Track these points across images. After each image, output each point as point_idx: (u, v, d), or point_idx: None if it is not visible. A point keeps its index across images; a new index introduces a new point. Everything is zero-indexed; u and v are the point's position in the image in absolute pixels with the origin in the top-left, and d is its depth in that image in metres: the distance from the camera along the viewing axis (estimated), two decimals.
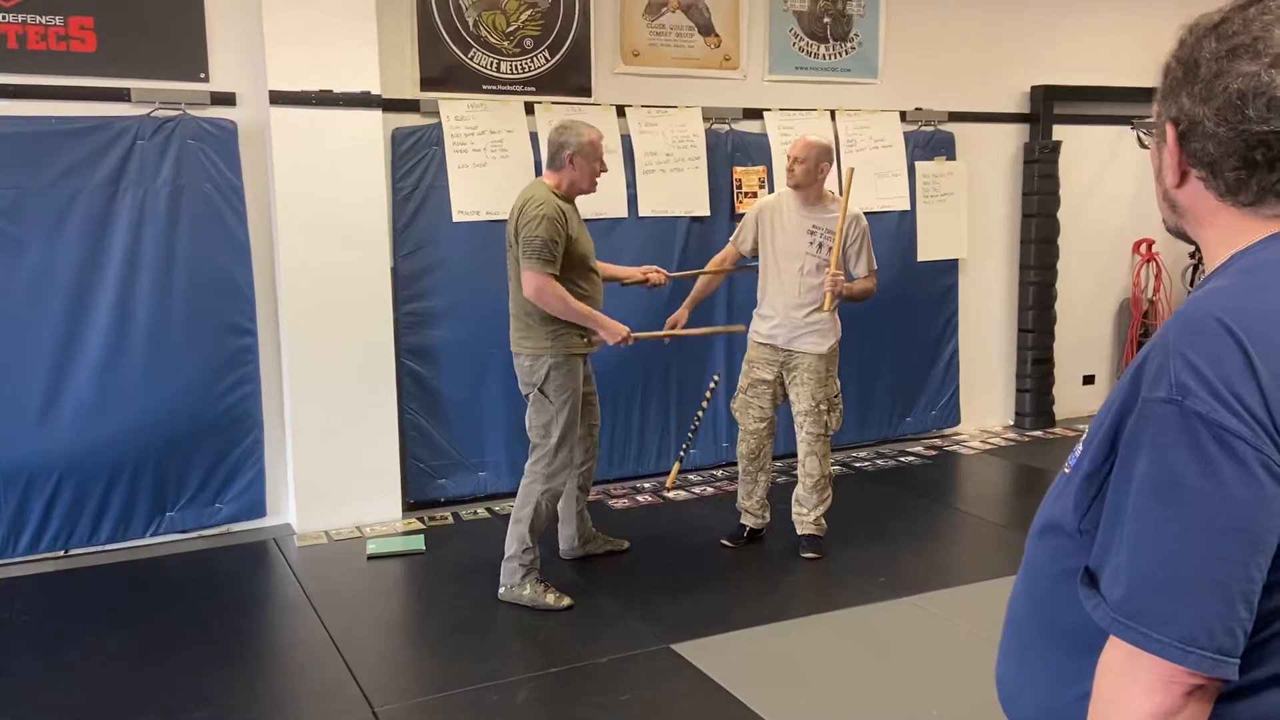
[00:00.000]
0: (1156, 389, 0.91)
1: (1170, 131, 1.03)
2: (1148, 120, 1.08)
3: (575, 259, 3.52)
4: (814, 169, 3.80)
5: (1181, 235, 1.10)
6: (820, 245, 3.82)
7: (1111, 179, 6.04)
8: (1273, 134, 0.95)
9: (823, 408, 3.88)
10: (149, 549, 4.20)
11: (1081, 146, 5.94)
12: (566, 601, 3.55)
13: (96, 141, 4.00)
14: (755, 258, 4.01)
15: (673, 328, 4.04)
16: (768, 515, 4.12)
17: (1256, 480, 0.87)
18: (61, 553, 4.09)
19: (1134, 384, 0.95)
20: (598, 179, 3.61)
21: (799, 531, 4.00)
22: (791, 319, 3.86)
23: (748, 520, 4.10)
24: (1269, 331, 0.90)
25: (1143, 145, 1.11)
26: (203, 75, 4.20)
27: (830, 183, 4.01)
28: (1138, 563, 0.91)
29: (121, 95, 4.06)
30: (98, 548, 4.15)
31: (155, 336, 4.14)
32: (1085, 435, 1.05)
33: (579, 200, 3.67)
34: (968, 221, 5.84)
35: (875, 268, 3.95)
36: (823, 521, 4.00)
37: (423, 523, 4.49)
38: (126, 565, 4.05)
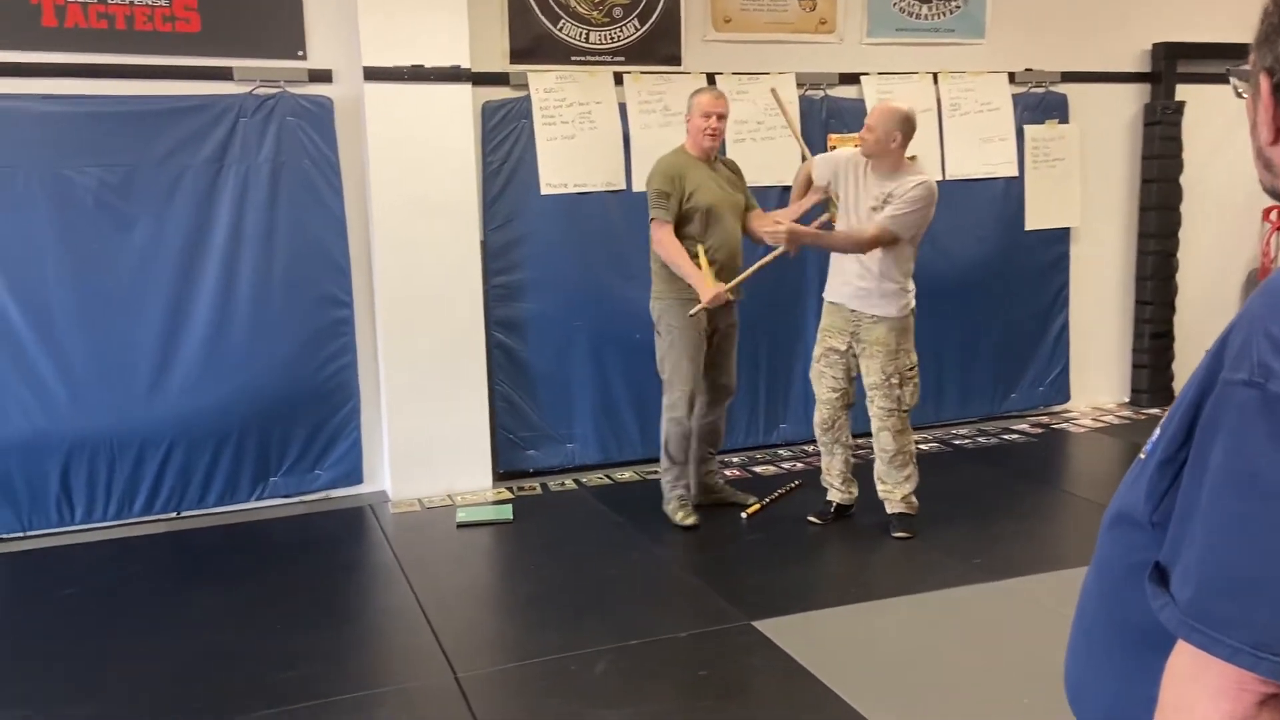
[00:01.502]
0: (1237, 370, 0.82)
1: (1265, 82, 0.92)
2: (1243, 68, 0.97)
3: (688, 210, 3.86)
4: (884, 139, 3.59)
5: (1277, 196, 0.99)
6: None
7: (1240, 141, 5.57)
8: None
9: (894, 381, 3.74)
10: (254, 512, 4.37)
11: (1207, 107, 5.55)
12: (689, 521, 3.96)
13: (201, 120, 4.14)
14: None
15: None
16: (854, 490, 4.02)
17: None
18: (174, 514, 4.30)
19: (1215, 363, 0.86)
20: (711, 134, 3.88)
21: (888, 510, 3.89)
22: (855, 285, 3.74)
23: (833, 496, 4.01)
24: None
25: (1239, 95, 1.00)
26: (301, 53, 4.29)
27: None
28: (1209, 561, 0.82)
29: (224, 74, 4.19)
30: (206, 510, 4.34)
31: (257, 308, 4.28)
32: (1164, 418, 0.96)
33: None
34: (1081, 188, 5.55)
35: (893, 231, 3.58)
36: (913, 499, 3.88)
37: (512, 492, 4.55)
38: (233, 528, 4.23)
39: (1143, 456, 0.98)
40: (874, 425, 3.82)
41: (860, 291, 3.74)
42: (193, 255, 4.17)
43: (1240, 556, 0.80)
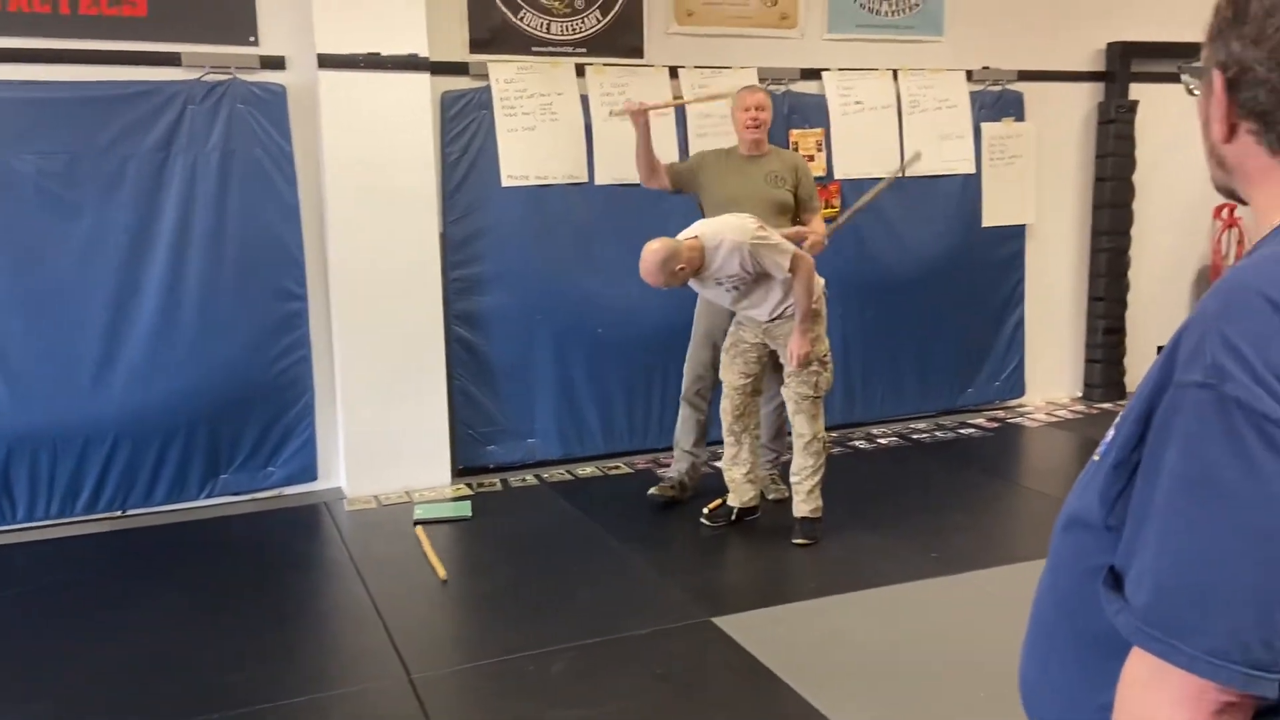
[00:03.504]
0: (1190, 371, 0.81)
1: (1218, 78, 0.91)
2: (1195, 65, 0.96)
3: (703, 201, 4.08)
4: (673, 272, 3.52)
5: (1231, 195, 0.98)
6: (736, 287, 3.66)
7: (1192, 140, 5.56)
8: None
9: (813, 367, 3.71)
10: (204, 510, 4.28)
11: (1161, 106, 5.63)
12: (652, 491, 4.20)
13: (148, 106, 4.03)
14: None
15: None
16: (756, 491, 3.97)
17: None
18: (119, 513, 4.19)
19: (1168, 364, 0.85)
20: (753, 124, 4.01)
21: (795, 513, 3.81)
22: (765, 320, 3.76)
23: (734, 498, 3.94)
24: None
25: (1191, 93, 0.99)
26: (252, 39, 4.20)
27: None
28: (1164, 566, 0.81)
29: (172, 59, 4.08)
30: (153, 509, 4.23)
31: (207, 300, 4.18)
32: (1117, 419, 0.95)
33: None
34: (1036, 185, 5.60)
35: (795, 252, 3.60)
36: (819, 497, 3.79)
37: (471, 489, 4.50)
38: (181, 526, 4.13)
39: (1096, 458, 0.97)
40: (790, 409, 3.79)
41: (769, 323, 3.76)
42: (139, 245, 4.06)
43: (1196, 561, 0.79)
